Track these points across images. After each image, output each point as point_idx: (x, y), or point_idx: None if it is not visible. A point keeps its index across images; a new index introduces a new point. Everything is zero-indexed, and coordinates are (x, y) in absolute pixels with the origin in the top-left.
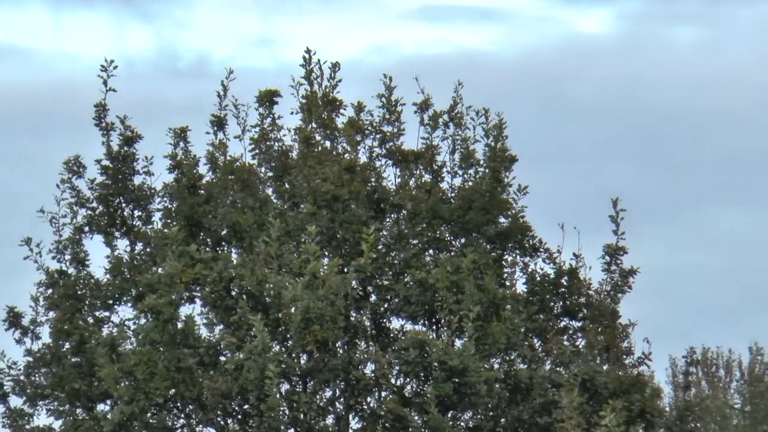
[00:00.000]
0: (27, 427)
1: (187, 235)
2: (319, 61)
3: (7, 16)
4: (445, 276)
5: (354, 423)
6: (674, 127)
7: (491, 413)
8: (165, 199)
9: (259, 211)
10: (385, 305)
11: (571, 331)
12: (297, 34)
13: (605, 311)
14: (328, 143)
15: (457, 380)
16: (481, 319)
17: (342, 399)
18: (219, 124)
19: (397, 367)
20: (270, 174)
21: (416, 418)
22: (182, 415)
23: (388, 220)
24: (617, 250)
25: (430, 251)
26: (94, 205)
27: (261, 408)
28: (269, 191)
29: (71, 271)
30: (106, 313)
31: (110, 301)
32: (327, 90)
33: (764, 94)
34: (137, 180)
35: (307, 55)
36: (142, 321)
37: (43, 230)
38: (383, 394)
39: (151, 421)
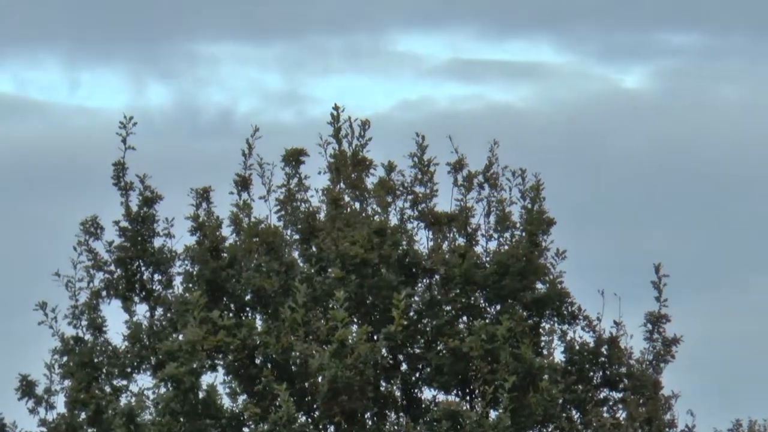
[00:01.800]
0: None
1: (209, 301)
2: (349, 118)
3: (21, 72)
4: (480, 344)
5: None
6: (718, 188)
7: None
8: (186, 262)
9: (285, 276)
10: (417, 375)
11: (611, 403)
12: (323, 89)
13: (647, 382)
14: (357, 205)
15: None
16: (517, 389)
17: None
18: (243, 184)
19: None
20: (296, 237)
21: None
22: None
23: (419, 285)
24: (660, 318)
25: (464, 318)
26: (112, 268)
27: None
28: (295, 255)
29: (88, 337)
30: (124, 382)
31: (128, 370)
32: (356, 149)
33: None
34: (157, 242)
35: (335, 112)
36: (162, 390)
37: (58, 295)
38: None
39: None
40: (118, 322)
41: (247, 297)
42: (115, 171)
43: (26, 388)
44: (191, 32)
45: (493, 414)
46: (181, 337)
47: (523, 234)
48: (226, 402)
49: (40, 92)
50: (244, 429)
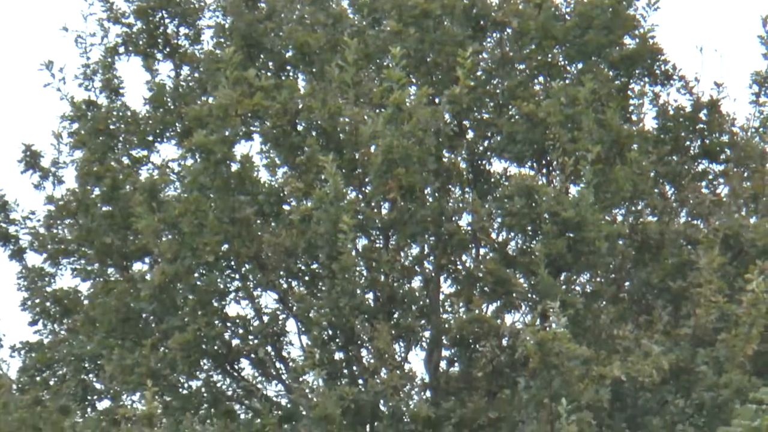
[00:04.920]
0: (47, 289)
1: (244, 58)
2: None
3: None
4: (559, 109)
5: (446, 286)
6: None
7: (613, 276)
8: (217, 13)
9: (332, 29)
10: (485, 144)
11: (711, 177)
12: None
13: (752, 152)
14: None
15: (571, 235)
16: (602, 161)
17: (431, 257)
18: None
19: (499, 219)
20: None
21: (521, 280)
22: (237, 276)
23: (489, 40)
24: (767, 78)
25: (540, 78)
26: (131, 20)
27: (333, 268)
28: (345, 4)
29: (102, 100)
30: (145, 152)
31: (150, 138)
32: None
33: None
34: None
35: None
36: (189, 162)
37: (67, 52)
38: (482, 251)
39: (198, 283)
40: (138, 82)
41: (289, 54)
42: None
43: (30, 159)
44: None
45: (573, 189)
46: (211, 100)
47: None
48: (264, 175)
49: None
50: (284, 207)
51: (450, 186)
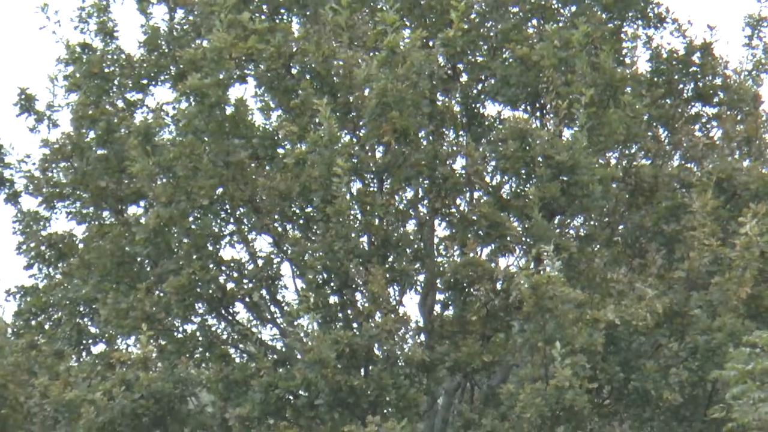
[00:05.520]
0: (42, 233)
1: (238, 1)
2: None
3: None
4: (552, 52)
5: (440, 229)
6: None
7: (607, 219)
8: None
9: None
10: (479, 87)
11: (704, 120)
12: None
13: (745, 95)
14: None
15: (565, 179)
16: (595, 104)
17: (426, 201)
18: None
19: (493, 163)
20: None
21: (515, 224)
22: (231, 220)
23: None
24: (761, 21)
25: (534, 21)
26: None
27: (327, 211)
28: None
29: (97, 44)
30: (140, 96)
31: (144, 81)
32: None
33: None
34: None
35: None
36: (184, 105)
37: None
38: (476, 194)
39: (193, 226)
40: (133, 26)
41: None
42: None
43: (25, 102)
44: None
45: (567, 132)
46: (205, 43)
47: None
48: (258, 119)
49: None
50: (278, 150)
51: (444, 129)
